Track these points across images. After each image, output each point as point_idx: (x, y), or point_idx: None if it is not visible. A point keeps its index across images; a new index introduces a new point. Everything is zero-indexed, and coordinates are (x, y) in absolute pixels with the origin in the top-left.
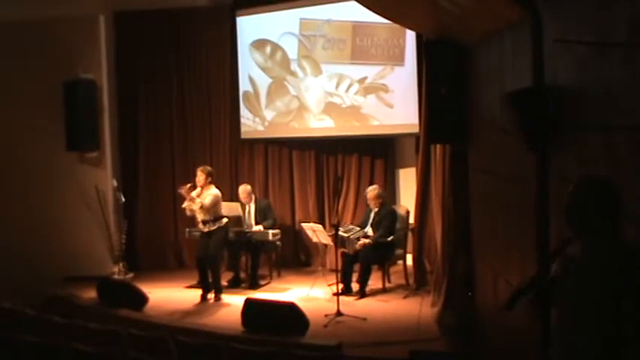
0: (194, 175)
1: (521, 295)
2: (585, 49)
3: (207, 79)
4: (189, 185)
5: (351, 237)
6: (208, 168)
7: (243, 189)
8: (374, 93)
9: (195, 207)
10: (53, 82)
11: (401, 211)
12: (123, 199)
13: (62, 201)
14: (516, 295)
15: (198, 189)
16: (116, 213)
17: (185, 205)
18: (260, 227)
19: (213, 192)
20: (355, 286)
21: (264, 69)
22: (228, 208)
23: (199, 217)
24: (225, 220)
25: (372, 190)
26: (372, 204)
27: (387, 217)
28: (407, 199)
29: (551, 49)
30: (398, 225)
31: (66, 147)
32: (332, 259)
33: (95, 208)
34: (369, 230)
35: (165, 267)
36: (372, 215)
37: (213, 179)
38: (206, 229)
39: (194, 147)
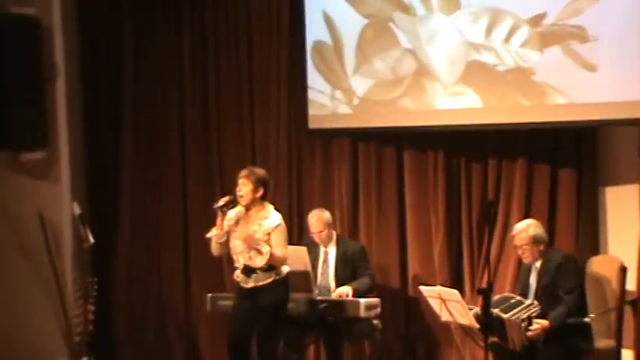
0: (229, 188)
1: None
2: None
3: (247, 22)
4: (227, 199)
5: (514, 318)
6: (259, 172)
7: (318, 218)
8: (559, 44)
9: (262, 259)
10: None
11: (605, 269)
12: (91, 240)
13: None
14: None
15: (240, 208)
16: (78, 265)
17: (212, 233)
18: (346, 290)
19: (275, 221)
20: None
21: (352, 1)
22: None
23: (241, 259)
24: (286, 269)
25: (523, 230)
26: (526, 254)
27: (568, 275)
28: (620, 246)
29: None
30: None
31: None
32: (478, 353)
33: (38, 254)
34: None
35: None
36: (533, 274)
37: (268, 192)
38: (250, 284)
39: (223, 144)
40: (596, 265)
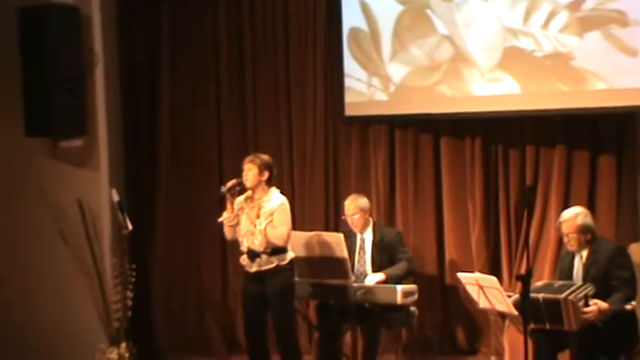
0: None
1: None
2: None
3: (284, 9)
4: (234, 182)
5: (571, 297)
6: (263, 157)
7: (353, 201)
8: (599, 28)
9: (258, 238)
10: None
11: None
12: (129, 226)
13: (15, 227)
14: None
15: (248, 193)
16: (116, 251)
17: (224, 217)
18: (380, 276)
19: (276, 202)
20: None
21: None
22: (321, 244)
23: (245, 242)
24: (290, 255)
25: (571, 219)
26: (572, 242)
27: (622, 266)
28: None
29: None
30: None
31: (25, 130)
32: (515, 339)
33: (77, 240)
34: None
35: (207, 351)
36: (577, 263)
37: (273, 177)
38: (254, 268)
39: (260, 132)
40: (637, 252)
